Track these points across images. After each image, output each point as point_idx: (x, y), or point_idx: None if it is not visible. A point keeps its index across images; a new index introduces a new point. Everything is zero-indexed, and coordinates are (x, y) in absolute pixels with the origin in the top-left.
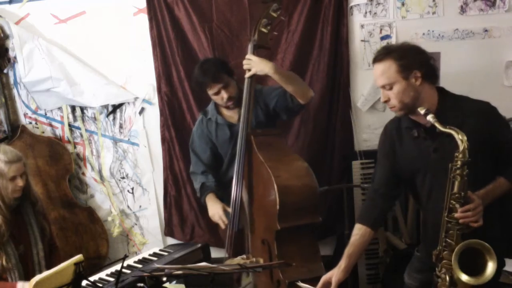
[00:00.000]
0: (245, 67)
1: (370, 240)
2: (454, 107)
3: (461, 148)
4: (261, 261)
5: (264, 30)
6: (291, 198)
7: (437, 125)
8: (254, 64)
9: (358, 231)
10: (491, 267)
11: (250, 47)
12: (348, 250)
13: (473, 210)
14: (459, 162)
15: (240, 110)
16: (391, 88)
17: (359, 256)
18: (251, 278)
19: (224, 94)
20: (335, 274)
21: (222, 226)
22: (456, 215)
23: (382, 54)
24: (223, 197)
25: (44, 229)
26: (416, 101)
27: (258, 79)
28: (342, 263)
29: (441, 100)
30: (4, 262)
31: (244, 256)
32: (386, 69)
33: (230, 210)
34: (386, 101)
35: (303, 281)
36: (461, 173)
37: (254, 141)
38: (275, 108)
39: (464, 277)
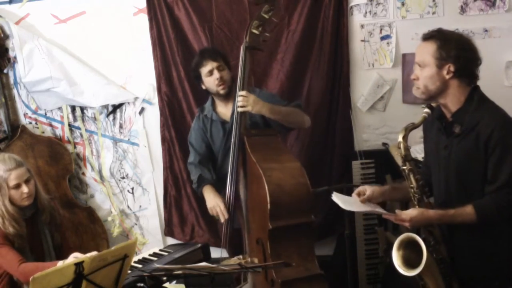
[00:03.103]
0: (240, 104)
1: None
2: (475, 112)
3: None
4: (256, 261)
5: (255, 31)
6: (283, 197)
7: (417, 121)
8: (252, 104)
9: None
10: (421, 266)
11: (242, 49)
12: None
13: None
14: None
15: (233, 106)
16: (422, 69)
17: (394, 194)
18: (249, 279)
19: (217, 74)
20: (369, 187)
21: (222, 219)
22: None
23: (430, 35)
24: (220, 192)
25: (55, 239)
26: (441, 93)
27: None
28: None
29: (468, 101)
30: None
31: (241, 256)
32: (426, 50)
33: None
34: (414, 79)
35: (298, 280)
36: (407, 168)
37: (247, 142)
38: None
39: (396, 264)
